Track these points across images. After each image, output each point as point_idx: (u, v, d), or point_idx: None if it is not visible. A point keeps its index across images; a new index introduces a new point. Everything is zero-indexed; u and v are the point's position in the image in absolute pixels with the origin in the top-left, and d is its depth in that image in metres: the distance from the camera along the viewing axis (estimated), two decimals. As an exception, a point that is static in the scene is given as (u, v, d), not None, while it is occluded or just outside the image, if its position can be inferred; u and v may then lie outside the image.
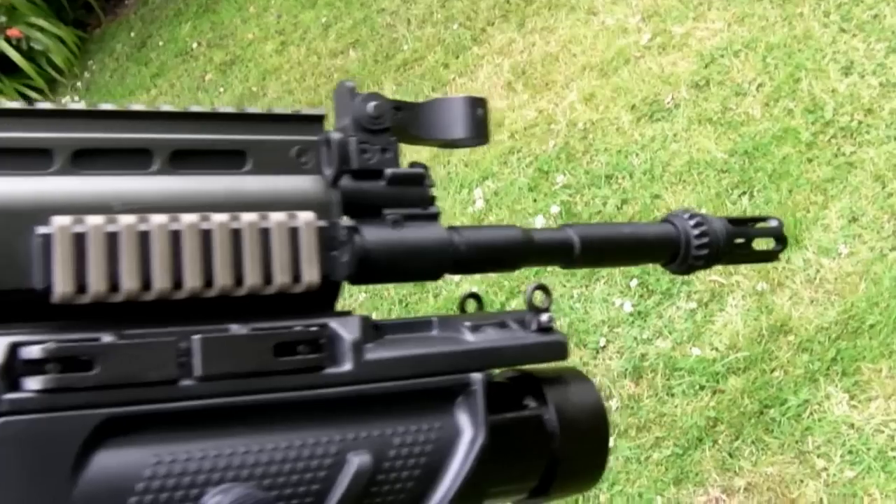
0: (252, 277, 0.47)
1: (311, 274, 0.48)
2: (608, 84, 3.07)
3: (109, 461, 0.43)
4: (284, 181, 0.50)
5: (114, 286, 0.44)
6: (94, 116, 0.47)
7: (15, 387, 0.41)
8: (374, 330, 0.51)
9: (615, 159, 2.81)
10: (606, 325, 2.44)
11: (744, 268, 2.25)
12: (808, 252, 2.27)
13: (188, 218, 0.46)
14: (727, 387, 2.14)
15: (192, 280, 0.45)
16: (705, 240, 0.68)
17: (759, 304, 2.24)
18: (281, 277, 0.47)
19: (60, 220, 0.43)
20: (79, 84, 5.79)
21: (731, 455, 2.05)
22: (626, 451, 2.16)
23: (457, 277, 2.61)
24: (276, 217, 0.48)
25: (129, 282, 0.44)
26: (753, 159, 2.54)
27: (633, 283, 2.46)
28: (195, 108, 0.49)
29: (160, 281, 0.45)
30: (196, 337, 0.45)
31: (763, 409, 2.07)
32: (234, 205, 0.48)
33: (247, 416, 0.46)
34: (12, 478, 0.41)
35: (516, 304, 2.61)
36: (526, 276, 2.51)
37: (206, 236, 0.46)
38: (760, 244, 0.74)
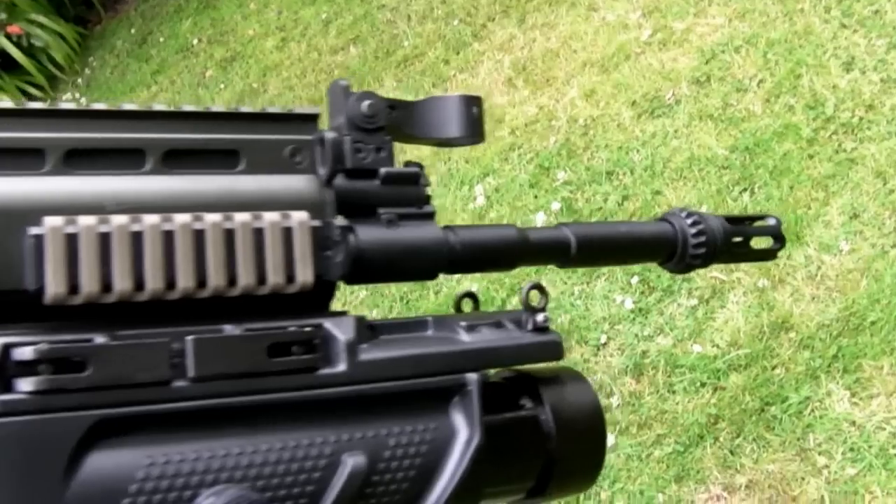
0: (245, 278, 0.47)
1: (304, 274, 0.48)
2: (609, 80, 3.07)
3: (102, 463, 0.42)
4: (278, 181, 0.50)
5: (106, 287, 0.44)
6: (86, 116, 0.47)
7: (7, 388, 0.41)
8: (368, 330, 0.51)
9: (616, 156, 2.81)
10: (607, 322, 2.44)
11: (744, 265, 2.24)
12: (809, 249, 2.26)
13: (181, 218, 0.45)
14: (728, 384, 2.14)
15: (185, 280, 0.45)
16: (702, 238, 0.68)
17: (761, 301, 2.24)
18: (274, 278, 0.47)
19: (52, 221, 0.43)
20: (79, 81, 5.79)
21: (732, 452, 2.04)
22: (628, 448, 2.16)
23: (457, 274, 2.61)
24: (270, 217, 0.47)
25: (121, 282, 0.44)
26: (754, 155, 2.53)
27: (634, 279, 2.45)
28: (188, 108, 0.49)
29: (153, 281, 0.44)
30: (189, 338, 0.45)
31: (764, 406, 2.07)
32: (228, 205, 0.47)
33: (240, 417, 0.46)
34: (4, 479, 0.40)
35: (517, 301, 2.61)
36: (527, 274, 2.51)
37: (199, 236, 0.46)
38: (759, 243, 0.74)
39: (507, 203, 2.93)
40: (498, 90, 3.36)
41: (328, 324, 0.49)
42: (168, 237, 0.45)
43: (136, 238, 0.44)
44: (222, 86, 4.68)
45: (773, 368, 2.12)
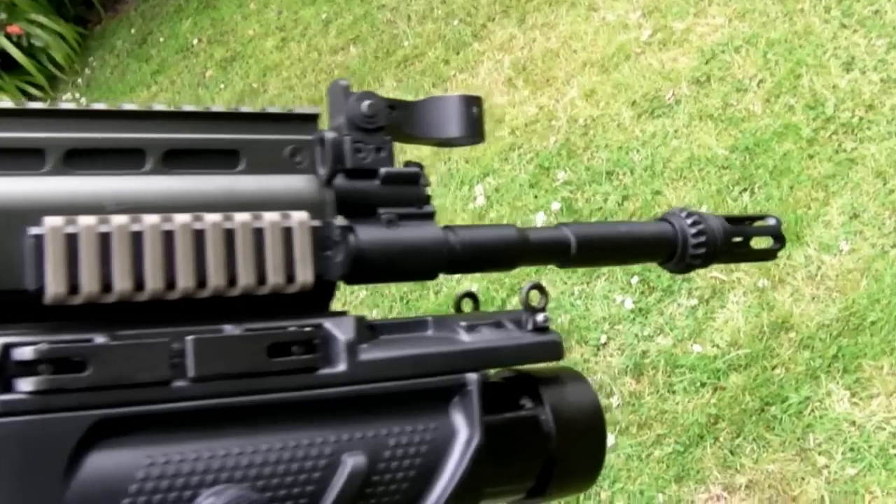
0: (245, 278, 0.47)
1: (304, 274, 0.48)
2: (609, 80, 3.07)
3: (102, 463, 0.42)
4: (278, 181, 0.50)
5: (106, 287, 0.44)
6: (86, 116, 0.46)
7: (7, 388, 0.41)
8: (368, 330, 0.51)
9: (616, 156, 2.81)
10: (607, 322, 2.44)
11: (744, 265, 2.24)
12: (809, 249, 2.26)
13: (181, 218, 0.45)
14: (728, 384, 2.14)
15: (185, 280, 0.45)
16: (702, 238, 0.68)
17: (761, 301, 2.24)
18: (274, 278, 0.47)
19: (52, 221, 0.43)
20: (79, 81, 5.79)
21: (732, 452, 2.04)
22: (628, 448, 2.16)
23: (457, 274, 2.61)
24: (270, 217, 0.47)
25: (121, 282, 0.44)
26: (754, 155, 2.53)
27: (635, 279, 2.45)
28: (188, 108, 0.49)
29: (153, 281, 0.44)
30: (189, 338, 0.44)
31: (764, 406, 2.07)
32: (228, 205, 0.47)
33: (240, 417, 0.46)
34: (4, 479, 0.40)
35: (517, 301, 2.61)
36: (527, 274, 2.51)
37: (199, 236, 0.46)
38: (759, 243, 0.74)
39: (507, 203, 2.93)
40: (498, 90, 3.36)
41: (328, 324, 0.49)
42: (168, 237, 0.45)
43: (136, 238, 0.44)
44: (222, 86, 4.68)
45: (773, 368, 2.12)
